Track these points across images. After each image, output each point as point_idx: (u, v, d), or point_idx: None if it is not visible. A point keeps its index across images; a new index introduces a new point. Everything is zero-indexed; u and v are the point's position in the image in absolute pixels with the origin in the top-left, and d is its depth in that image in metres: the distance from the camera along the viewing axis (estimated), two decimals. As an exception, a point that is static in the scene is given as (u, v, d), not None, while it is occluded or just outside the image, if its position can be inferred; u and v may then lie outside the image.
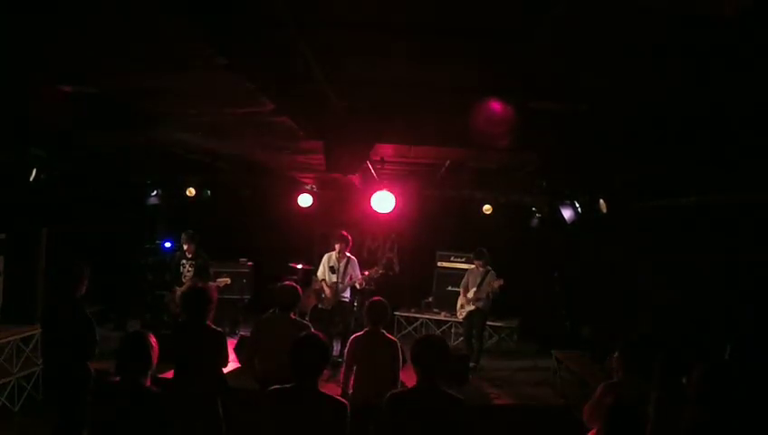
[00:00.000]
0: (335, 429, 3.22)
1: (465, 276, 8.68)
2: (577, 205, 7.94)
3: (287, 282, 5.57)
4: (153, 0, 2.37)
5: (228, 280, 8.36)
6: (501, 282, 8.17)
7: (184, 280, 7.96)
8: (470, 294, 8.40)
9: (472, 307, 8.39)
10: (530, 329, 10.12)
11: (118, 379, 3.41)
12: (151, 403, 3.35)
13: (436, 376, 3.38)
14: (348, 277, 8.11)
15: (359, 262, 8.39)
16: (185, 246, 8.06)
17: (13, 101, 4.26)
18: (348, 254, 8.22)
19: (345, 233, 8.25)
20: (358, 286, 8.28)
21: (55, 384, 4.98)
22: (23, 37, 3.03)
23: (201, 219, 9.91)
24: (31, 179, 5.95)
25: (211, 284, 7.98)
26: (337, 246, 8.13)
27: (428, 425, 3.32)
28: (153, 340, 3.50)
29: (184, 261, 8.06)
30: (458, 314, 8.73)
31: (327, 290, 8.09)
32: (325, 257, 8.28)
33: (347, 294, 8.23)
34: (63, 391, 4.86)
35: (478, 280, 8.38)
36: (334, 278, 8.08)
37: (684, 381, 3.80)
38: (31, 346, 6.59)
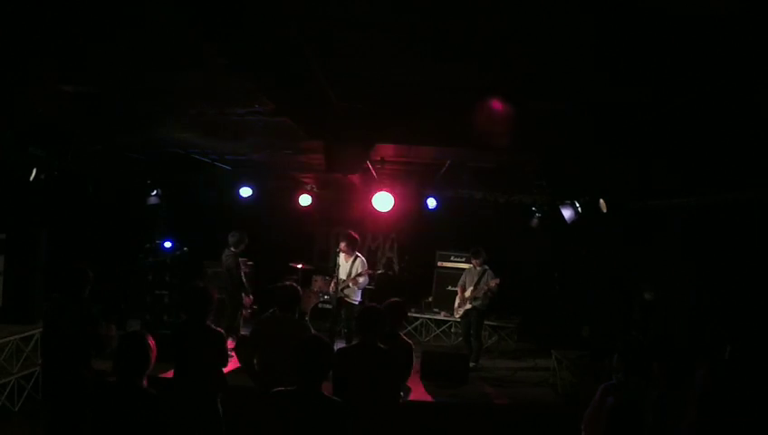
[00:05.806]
0: (338, 431, 3.21)
1: (463, 275, 8.71)
2: (577, 205, 7.93)
3: (287, 282, 5.56)
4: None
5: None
6: (497, 281, 8.20)
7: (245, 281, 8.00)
8: (467, 293, 8.43)
9: (468, 306, 8.40)
10: (530, 329, 10.11)
11: (115, 379, 3.38)
12: (149, 405, 3.32)
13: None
14: (353, 277, 8.15)
15: (358, 261, 8.41)
16: (242, 247, 7.98)
17: (13, 100, 4.26)
18: (358, 253, 8.32)
19: (351, 232, 8.33)
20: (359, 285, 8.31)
21: (55, 383, 4.98)
22: (22, 37, 3.03)
23: (201, 219, 9.90)
24: (31, 179, 5.94)
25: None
26: (342, 245, 8.17)
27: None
28: (152, 341, 3.46)
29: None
30: (455, 312, 8.76)
31: (332, 286, 8.35)
32: (341, 255, 8.33)
33: (357, 297, 8.23)
34: (63, 390, 4.86)
35: (475, 279, 8.39)
36: (343, 276, 8.20)
37: (684, 381, 3.80)
38: (31, 346, 6.59)
